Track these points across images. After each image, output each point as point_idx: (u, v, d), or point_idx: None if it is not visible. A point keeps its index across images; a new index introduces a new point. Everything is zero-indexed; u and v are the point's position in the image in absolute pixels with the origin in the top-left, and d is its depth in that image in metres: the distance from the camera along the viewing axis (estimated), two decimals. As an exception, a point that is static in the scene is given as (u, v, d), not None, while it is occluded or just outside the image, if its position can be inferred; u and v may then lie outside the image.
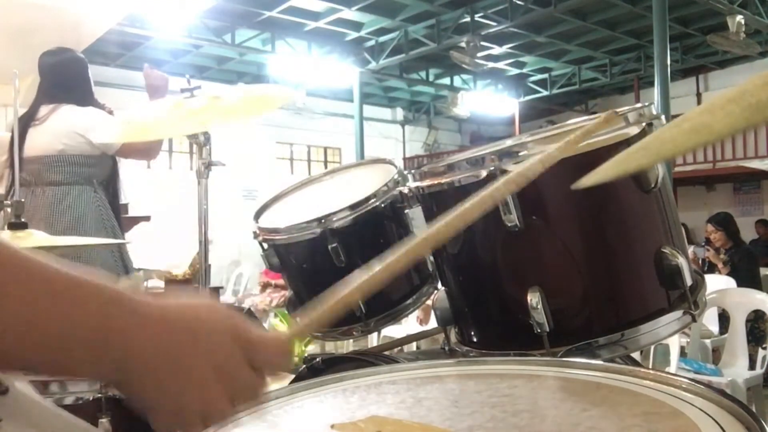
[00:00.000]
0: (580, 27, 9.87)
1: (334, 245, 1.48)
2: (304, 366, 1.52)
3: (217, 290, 5.81)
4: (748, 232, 8.50)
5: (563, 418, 0.70)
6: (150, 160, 2.51)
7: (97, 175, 2.57)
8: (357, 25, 9.70)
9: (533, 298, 1.09)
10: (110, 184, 2.66)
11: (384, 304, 1.58)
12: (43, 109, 2.53)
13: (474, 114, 13.13)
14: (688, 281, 1.13)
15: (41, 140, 2.48)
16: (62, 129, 2.48)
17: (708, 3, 8.11)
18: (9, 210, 1.51)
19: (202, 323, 0.55)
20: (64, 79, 2.60)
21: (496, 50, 10.75)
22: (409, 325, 4.36)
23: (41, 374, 0.65)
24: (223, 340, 0.55)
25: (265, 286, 6.77)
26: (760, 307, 3.38)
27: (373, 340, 4.16)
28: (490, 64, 11.43)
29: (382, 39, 10.20)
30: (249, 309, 2.60)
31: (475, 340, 1.28)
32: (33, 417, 0.75)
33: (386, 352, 1.70)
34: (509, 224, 1.09)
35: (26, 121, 2.51)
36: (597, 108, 13.70)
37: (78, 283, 0.51)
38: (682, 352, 3.36)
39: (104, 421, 1.01)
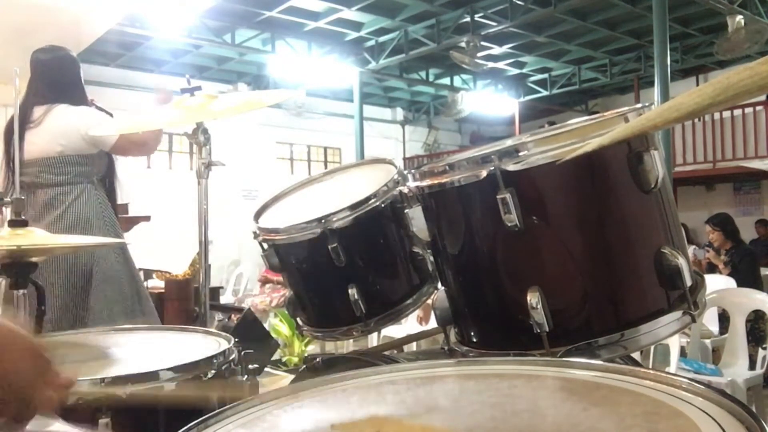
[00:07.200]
0: (580, 27, 9.86)
1: (334, 245, 1.48)
2: (304, 366, 1.52)
3: (217, 290, 5.81)
4: (748, 232, 8.49)
5: (563, 418, 0.70)
6: (149, 154, 2.48)
7: (96, 172, 2.56)
8: (357, 25, 9.69)
9: (533, 298, 1.09)
10: (107, 181, 2.66)
11: (384, 304, 1.58)
12: (38, 111, 2.49)
13: (474, 114, 13.11)
14: (688, 281, 1.13)
15: (39, 142, 2.46)
16: (59, 130, 2.45)
17: (708, 3, 8.10)
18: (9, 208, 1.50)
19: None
20: (59, 78, 2.56)
21: (496, 50, 10.74)
22: (409, 325, 4.36)
23: None
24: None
25: (265, 283, 6.76)
26: (760, 307, 3.39)
27: (373, 340, 4.17)
28: (490, 64, 11.42)
29: (382, 39, 10.19)
30: (249, 309, 2.60)
31: (474, 340, 1.28)
32: None
33: (386, 352, 1.70)
34: (509, 224, 1.09)
35: (21, 124, 2.47)
36: (597, 108, 13.68)
37: None
38: (682, 352, 3.37)
39: (104, 422, 1.01)
